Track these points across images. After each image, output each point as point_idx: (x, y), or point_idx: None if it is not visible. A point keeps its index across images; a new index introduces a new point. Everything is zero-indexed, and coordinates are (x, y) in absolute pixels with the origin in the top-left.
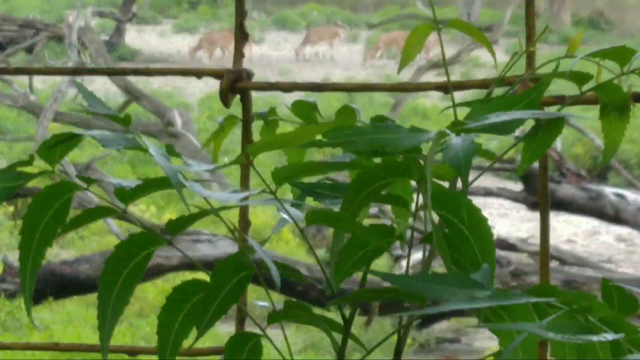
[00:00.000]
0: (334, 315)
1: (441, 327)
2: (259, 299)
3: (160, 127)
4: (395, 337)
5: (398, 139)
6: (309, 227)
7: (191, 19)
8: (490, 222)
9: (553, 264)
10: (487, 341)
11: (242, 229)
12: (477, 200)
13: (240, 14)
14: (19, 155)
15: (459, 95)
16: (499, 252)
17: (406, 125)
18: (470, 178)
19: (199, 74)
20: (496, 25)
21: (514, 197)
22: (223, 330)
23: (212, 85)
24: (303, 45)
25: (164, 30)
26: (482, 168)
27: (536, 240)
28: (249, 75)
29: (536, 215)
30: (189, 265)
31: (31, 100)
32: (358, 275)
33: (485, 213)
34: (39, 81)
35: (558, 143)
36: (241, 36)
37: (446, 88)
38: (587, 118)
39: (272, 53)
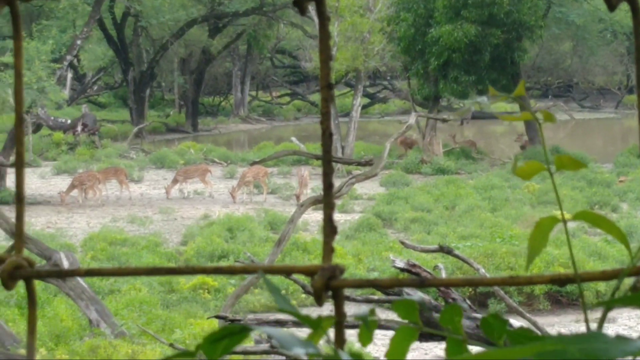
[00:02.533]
0: None
1: None
2: None
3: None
4: None
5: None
6: None
7: (70, 160)
8: (375, 353)
9: None
10: None
11: None
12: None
13: (329, 206)
14: None
15: (340, 229)
16: None
17: (289, 259)
18: (358, 309)
19: (289, 271)
20: (376, 158)
21: None
22: None
23: (93, 225)
24: (173, 183)
25: (44, 172)
26: (370, 300)
27: None
28: (341, 271)
29: (420, 344)
30: None
31: None
32: None
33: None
34: None
35: (442, 273)
36: (330, 230)
37: (561, 281)
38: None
39: (152, 192)
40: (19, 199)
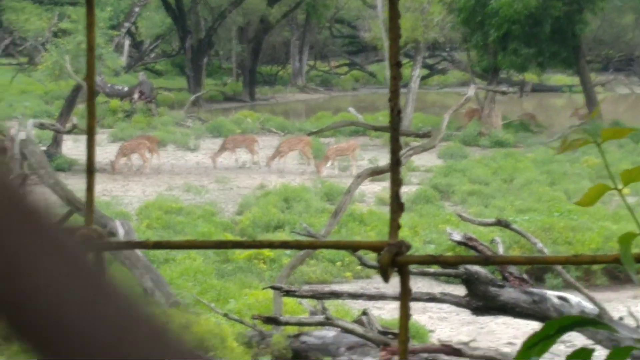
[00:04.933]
0: None
1: None
2: None
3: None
4: None
5: None
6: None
7: (127, 128)
8: (430, 326)
9: None
10: None
11: None
12: (418, 305)
13: (397, 183)
14: None
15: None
16: (443, 358)
17: (345, 231)
18: (414, 282)
19: (356, 247)
20: (434, 130)
21: (457, 302)
22: None
23: (148, 194)
24: (220, 152)
25: (100, 140)
26: (426, 273)
27: (479, 344)
28: (407, 247)
29: (476, 318)
30: None
31: None
32: None
33: (425, 317)
34: None
35: (499, 247)
36: (397, 206)
37: None
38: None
39: (208, 161)
40: (90, 170)
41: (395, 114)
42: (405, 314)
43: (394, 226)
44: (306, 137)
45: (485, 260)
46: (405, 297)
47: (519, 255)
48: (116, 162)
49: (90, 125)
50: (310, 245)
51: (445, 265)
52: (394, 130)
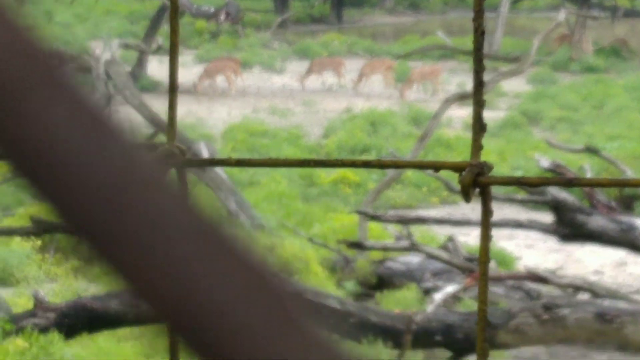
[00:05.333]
0: (365, 348)
1: None
2: None
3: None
4: None
5: None
6: (337, 260)
7: (212, 49)
8: (517, 254)
9: (584, 296)
10: None
11: None
12: (505, 232)
13: (479, 104)
14: None
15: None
16: (529, 285)
17: (431, 155)
18: (501, 209)
19: (438, 167)
20: (524, 55)
21: (544, 229)
22: None
23: (234, 116)
24: (306, 75)
25: (185, 61)
26: (513, 199)
27: (566, 272)
28: (489, 168)
29: (563, 246)
30: None
31: None
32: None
33: (511, 244)
34: None
35: (588, 174)
36: (480, 127)
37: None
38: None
39: (294, 83)
40: (172, 88)
41: (479, 34)
42: (486, 234)
43: (476, 147)
44: (389, 60)
45: (568, 182)
46: (486, 217)
47: (603, 177)
48: (200, 83)
49: (173, 42)
50: (392, 165)
51: (533, 192)
52: (477, 51)
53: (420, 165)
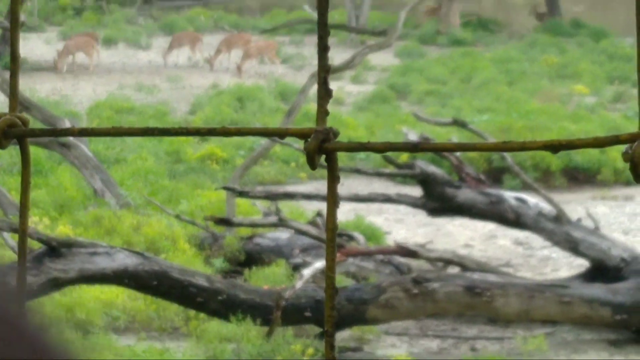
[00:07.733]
0: (234, 326)
1: (343, 336)
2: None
3: (51, 138)
4: (296, 347)
5: None
6: (205, 237)
7: (76, 25)
8: (386, 228)
9: (454, 270)
10: (390, 349)
11: None
12: (374, 207)
13: (324, 69)
14: None
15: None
16: (399, 259)
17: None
18: (370, 184)
19: (282, 134)
20: (390, 28)
21: (413, 203)
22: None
23: (99, 93)
24: (168, 51)
25: (49, 38)
26: (382, 173)
27: (435, 246)
28: (335, 134)
29: (433, 220)
30: (87, 278)
31: None
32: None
33: (381, 219)
34: None
35: None
36: (325, 92)
37: (554, 147)
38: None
39: (161, 60)
40: (14, 57)
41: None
42: (332, 201)
43: (322, 112)
44: (246, 34)
45: (414, 147)
46: (332, 183)
47: (449, 142)
48: (60, 60)
49: (14, 10)
50: (237, 132)
51: (402, 166)
52: (321, 16)
53: (265, 133)
